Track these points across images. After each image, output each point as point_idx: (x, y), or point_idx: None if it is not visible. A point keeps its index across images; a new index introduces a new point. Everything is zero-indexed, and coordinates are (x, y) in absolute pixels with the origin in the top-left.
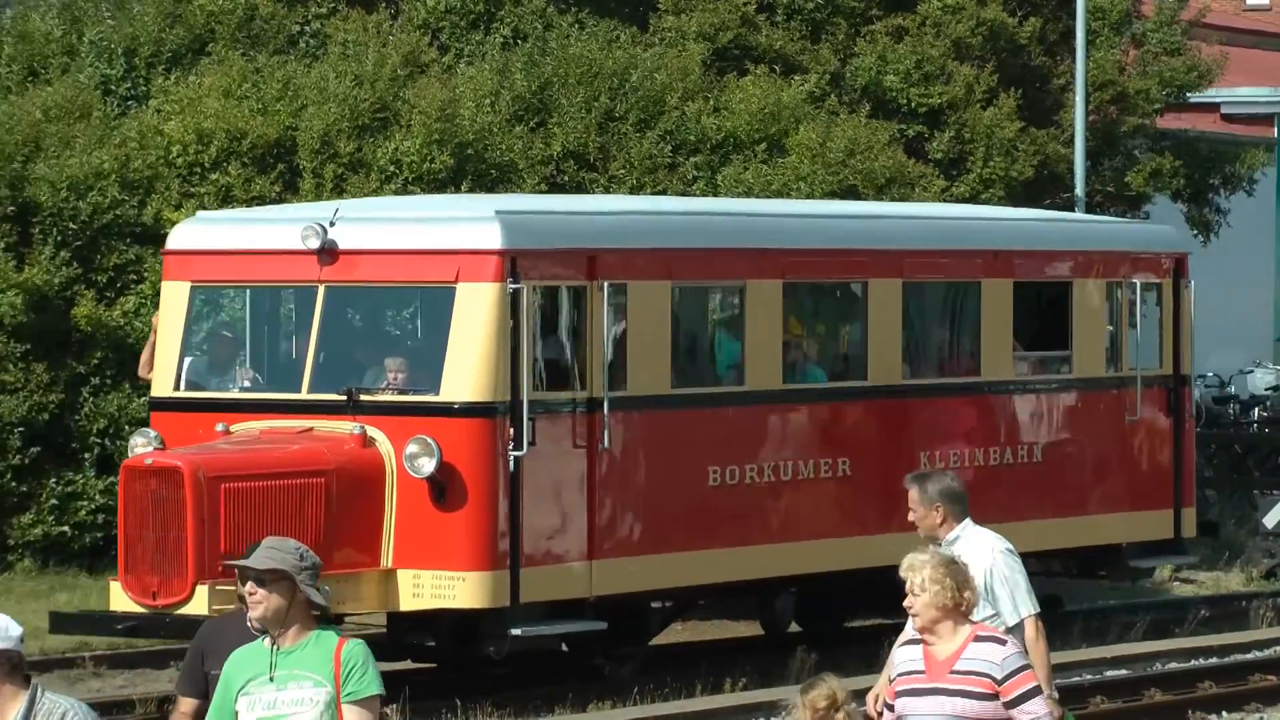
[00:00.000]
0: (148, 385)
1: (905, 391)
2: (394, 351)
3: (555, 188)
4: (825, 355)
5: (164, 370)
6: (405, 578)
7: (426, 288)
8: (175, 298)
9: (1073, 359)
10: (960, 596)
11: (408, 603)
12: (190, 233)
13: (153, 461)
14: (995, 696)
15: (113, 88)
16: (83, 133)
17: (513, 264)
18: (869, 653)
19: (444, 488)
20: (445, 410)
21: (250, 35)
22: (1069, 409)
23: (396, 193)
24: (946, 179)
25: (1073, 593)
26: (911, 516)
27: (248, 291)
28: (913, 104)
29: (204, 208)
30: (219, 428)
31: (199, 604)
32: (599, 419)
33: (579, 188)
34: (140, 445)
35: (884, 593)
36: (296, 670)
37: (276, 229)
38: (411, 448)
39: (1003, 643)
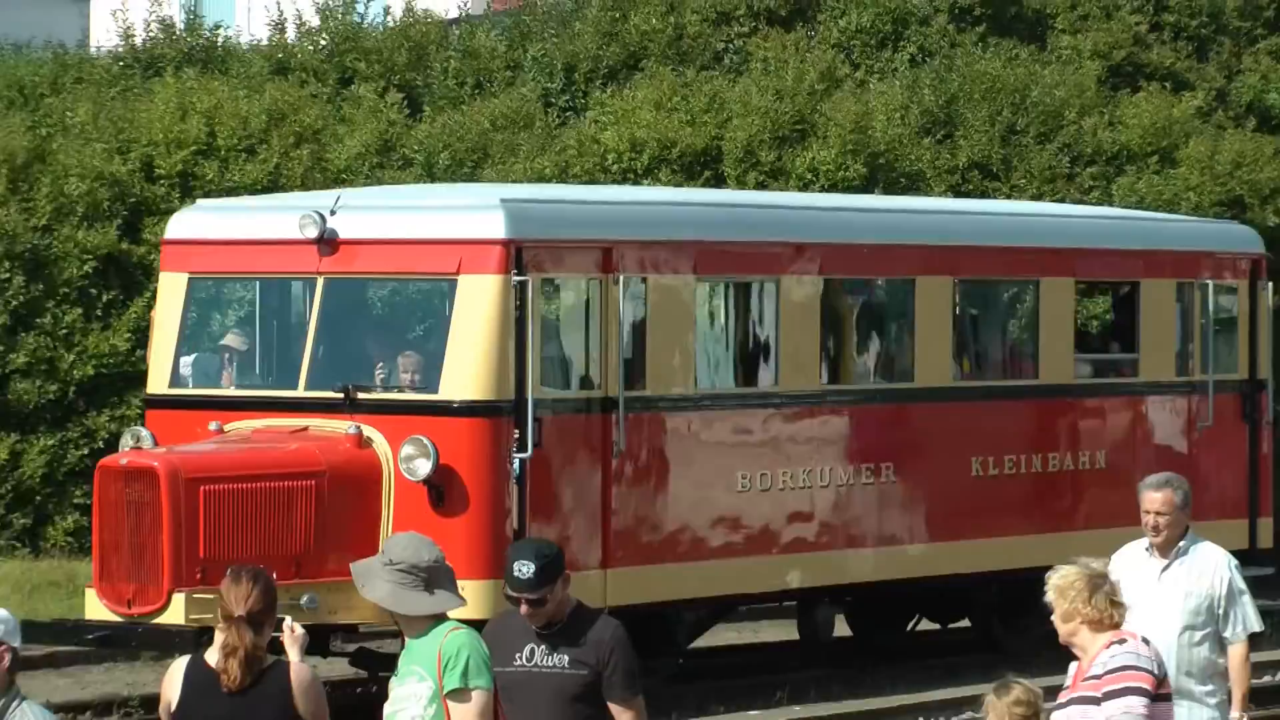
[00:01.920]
0: None
1: (954, 394)
2: (397, 347)
3: (960, 196)
4: (868, 355)
5: (159, 366)
6: None
7: (427, 279)
8: (172, 289)
9: (1140, 362)
10: (1113, 610)
11: None
12: (188, 222)
13: (128, 462)
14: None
15: (553, 100)
16: (526, 141)
17: (518, 255)
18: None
19: (442, 491)
20: (444, 409)
21: (679, 52)
22: (1135, 414)
23: None
24: None
25: None
26: (1158, 521)
27: (247, 283)
28: None
29: None
30: (212, 426)
31: (175, 613)
32: (612, 420)
33: (983, 196)
34: (131, 444)
35: (940, 601)
36: (413, 665)
37: (275, 218)
38: (407, 449)
39: (1122, 642)
